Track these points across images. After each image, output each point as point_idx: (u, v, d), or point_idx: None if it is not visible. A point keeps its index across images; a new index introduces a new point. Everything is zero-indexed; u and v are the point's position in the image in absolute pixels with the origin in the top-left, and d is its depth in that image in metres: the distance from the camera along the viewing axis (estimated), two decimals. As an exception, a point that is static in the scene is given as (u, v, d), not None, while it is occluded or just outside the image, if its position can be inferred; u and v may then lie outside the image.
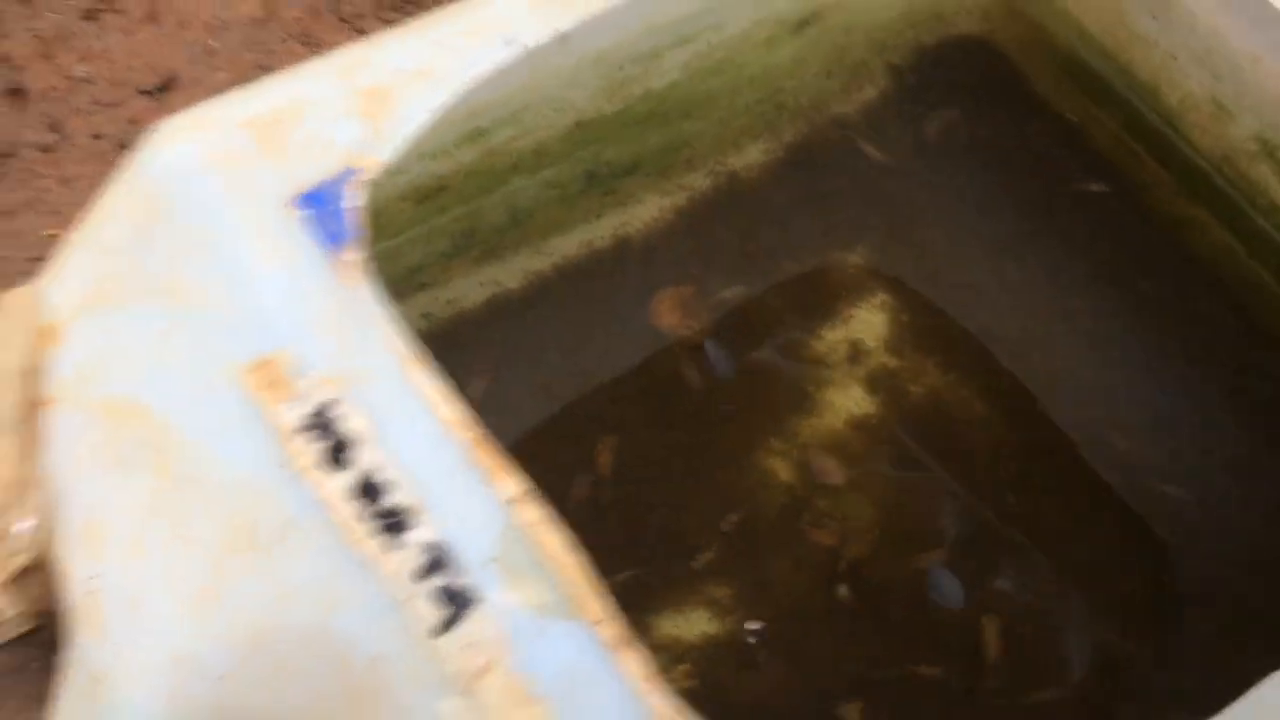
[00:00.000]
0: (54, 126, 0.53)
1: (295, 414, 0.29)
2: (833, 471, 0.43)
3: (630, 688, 0.27)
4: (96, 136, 0.53)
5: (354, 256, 0.30)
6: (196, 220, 0.31)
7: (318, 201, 0.31)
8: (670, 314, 0.46)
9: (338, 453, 0.29)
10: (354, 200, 0.31)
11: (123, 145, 0.52)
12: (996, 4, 0.47)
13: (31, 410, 0.31)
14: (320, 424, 0.29)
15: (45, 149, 0.52)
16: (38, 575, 0.33)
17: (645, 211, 0.47)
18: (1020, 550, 0.41)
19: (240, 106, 0.32)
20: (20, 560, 0.31)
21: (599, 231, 0.47)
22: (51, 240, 0.50)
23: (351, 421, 0.29)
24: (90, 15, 0.56)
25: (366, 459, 0.29)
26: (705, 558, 0.41)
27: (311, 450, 0.29)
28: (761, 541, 0.42)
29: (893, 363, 0.46)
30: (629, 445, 0.43)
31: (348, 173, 0.31)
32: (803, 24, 0.43)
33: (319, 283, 0.30)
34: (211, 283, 0.31)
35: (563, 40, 0.37)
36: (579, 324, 0.46)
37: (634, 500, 0.29)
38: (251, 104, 0.32)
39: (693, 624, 0.38)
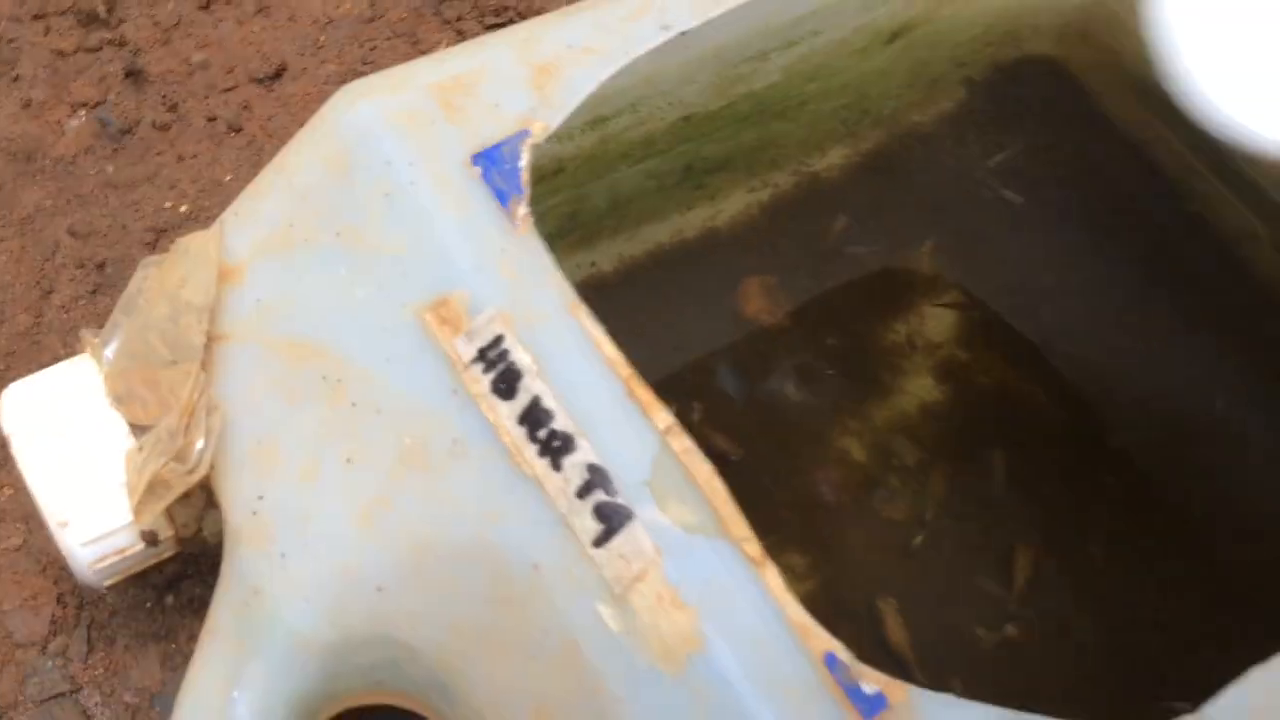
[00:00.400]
0: (171, 107, 0.56)
1: (469, 347, 0.33)
2: (906, 453, 0.47)
3: (770, 599, 0.30)
4: (211, 119, 0.56)
5: (524, 210, 0.34)
6: (380, 173, 0.34)
7: (493, 159, 0.34)
8: (755, 301, 0.50)
9: (507, 382, 0.32)
10: (525, 160, 0.34)
11: (235, 128, 0.56)
12: (1070, 28, 0.50)
13: (211, 344, 0.34)
14: (492, 357, 0.32)
15: (162, 128, 0.55)
16: (194, 498, 0.36)
17: (732, 205, 0.50)
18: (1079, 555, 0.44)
19: (424, 71, 0.36)
20: (195, 478, 0.33)
21: (690, 222, 0.50)
22: (169, 212, 0.53)
23: (520, 355, 0.32)
24: (206, 6, 0.59)
25: (534, 389, 0.32)
26: (781, 529, 0.44)
27: (483, 379, 0.32)
28: (835, 515, 0.45)
29: (961, 355, 0.49)
30: (714, 418, 0.46)
31: (522, 134, 0.34)
32: (894, 36, 0.47)
33: (494, 231, 0.33)
34: (393, 230, 0.34)
35: (686, 35, 0.40)
36: (669, 307, 0.49)
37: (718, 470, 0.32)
38: (434, 70, 0.36)
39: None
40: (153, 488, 0.34)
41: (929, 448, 0.47)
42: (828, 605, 0.42)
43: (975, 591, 0.43)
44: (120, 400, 0.35)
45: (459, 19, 0.59)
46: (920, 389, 0.48)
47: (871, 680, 0.29)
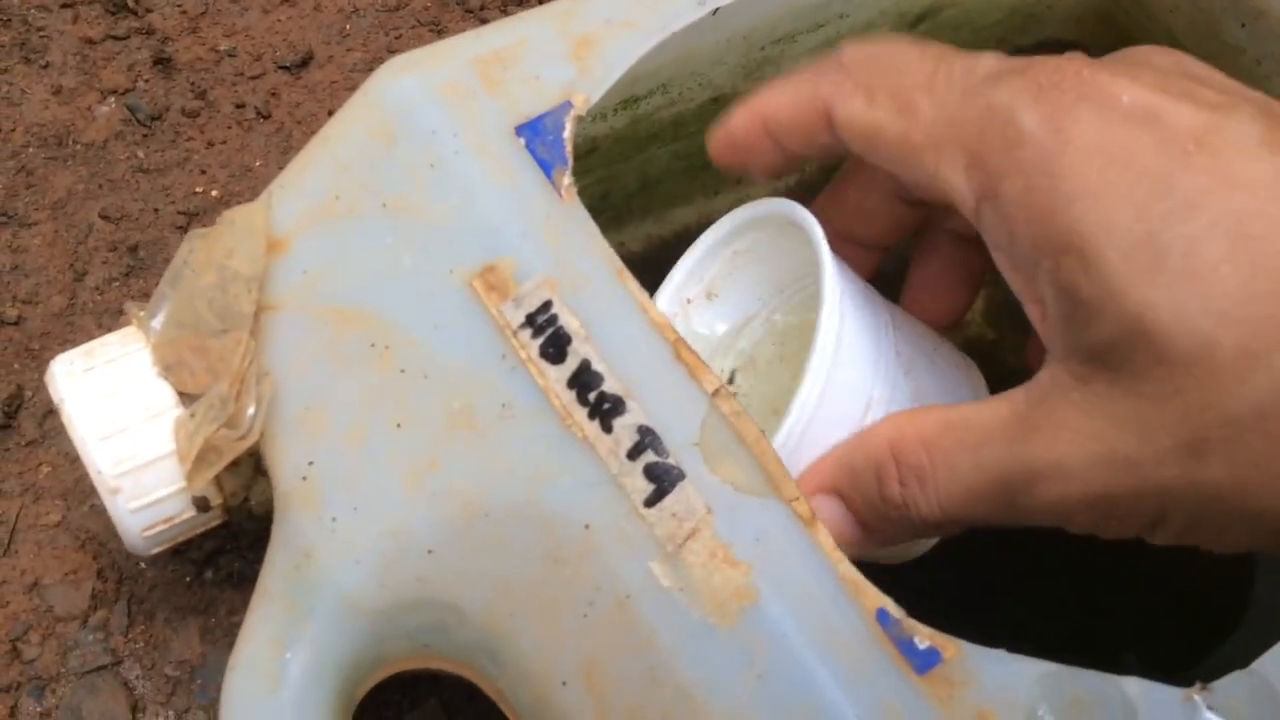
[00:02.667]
0: (199, 94, 0.56)
1: (517, 312, 0.33)
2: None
3: (821, 555, 0.31)
4: (239, 105, 0.56)
5: (568, 180, 0.34)
6: (425, 144, 0.35)
7: (536, 130, 0.35)
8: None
9: (556, 346, 0.33)
10: (569, 131, 0.35)
11: (263, 115, 0.56)
12: (1090, 11, 0.51)
13: (259, 313, 0.35)
14: (540, 321, 0.33)
15: (191, 114, 0.56)
16: (242, 466, 0.37)
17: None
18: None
19: (465, 46, 0.36)
20: (246, 444, 0.34)
21: (717, 205, 0.51)
22: (200, 197, 0.54)
23: (568, 319, 0.33)
24: (232, -5, 0.60)
25: (582, 352, 0.33)
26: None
27: (532, 344, 0.33)
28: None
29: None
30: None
31: (565, 106, 0.35)
32: (919, 19, 0.47)
33: (539, 200, 0.34)
34: (439, 200, 0.34)
35: (717, 16, 0.41)
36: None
37: None
38: (475, 44, 0.36)
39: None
40: (204, 454, 0.34)
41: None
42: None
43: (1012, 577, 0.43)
44: (169, 369, 0.35)
45: (482, 8, 0.60)
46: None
47: (924, 636, 0.30)
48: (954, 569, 0.40)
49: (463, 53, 0.36)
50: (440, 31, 0.59)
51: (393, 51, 0.59)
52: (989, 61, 0.30)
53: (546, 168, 0.34)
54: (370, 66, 0.58)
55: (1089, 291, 0.26)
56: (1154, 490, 0.26)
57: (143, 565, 0.45)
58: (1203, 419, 0.25)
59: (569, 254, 0.34)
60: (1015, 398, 0.28)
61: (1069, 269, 0.26)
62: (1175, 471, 0.26)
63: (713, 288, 0.40)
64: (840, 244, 0.36)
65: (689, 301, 0.39)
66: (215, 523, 0.38)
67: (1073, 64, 0.28)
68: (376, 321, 0.35)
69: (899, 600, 0.30)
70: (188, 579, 0.46)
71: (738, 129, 0.34)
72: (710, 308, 0.40)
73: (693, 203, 0.51)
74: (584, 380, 0.32)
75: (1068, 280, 0.26)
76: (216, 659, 0.44)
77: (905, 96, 0.30)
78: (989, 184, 0.27)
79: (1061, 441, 0.27)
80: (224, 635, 0.44)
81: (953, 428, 0.29)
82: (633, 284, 0.33)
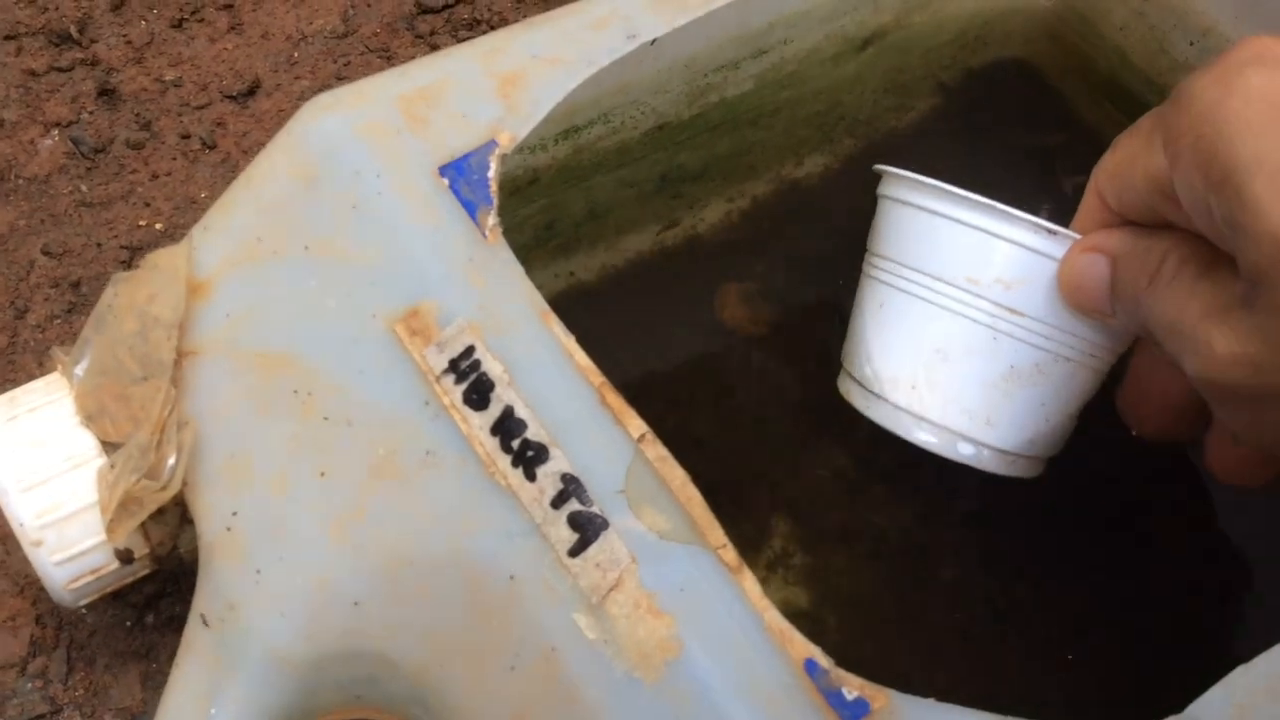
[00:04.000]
0: (144, 126, 0.56)
1: (440, 357, 0.32)
2: (888, 458, 0.46)
3: (747, 605, 0.30)
4: (185, 136, 0.56)
5: (493, 220, 0.34)
6: (348, 185, 0.34)
7: (460, 170, 0.34)
8: (734, 308, 0.50)
9: (479, 392, 0.32)
10: (493, 170, 0.34)
11: (209, 145, 0.56)
12: (1039, 31, 0.51)
13: (181, 358, 0.34)
14: (464, 367, 0.32)
15: (136, 146, 0.55)
16: (168, 515, 0.36)
17: (711, 214, 0.51)
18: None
19: (390, 84, 0.36)
20: (167, 495, 0.33)
21: (668, 231, 0.50)
22: (144, 230, 0.53)
23: (492, 365, 0.32)
24: (178, 24, 0.59)
25: (505, 398, 0.32)
26: (767, 535, 0.44)
27: (455, 390, 0.32)
28: (821, 521, 0.45)
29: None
30: (692, 424, 0.46)
31: (489, 145, 0.34)
32: (866, 43, 0.47)
33: (463, 242, 0.33)
34: (363, 241, 0.34)
35: (656, 45, 0.40)
36: (649, 315, 0.49)
37: (696, 476, 0.32)
38: (400, 82, 0.36)
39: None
40: (125, 505, 0.34)
41: (912, 452, 0.46)
42: (809, 609, 0.42)
43: (975, 593, 0.43)
44: (91, 418, 0.35)
45: (432, 33, 0.59)
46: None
47: (853, 686, 0.29)
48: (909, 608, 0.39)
49: (387, 91, 0.35)
50: (389, 58, 0.58)
51: (341, 79, 0.58)
52: None
53: (471, 208, 0.34)
54: (318, 94, 0.57)
55: (1241, 219, 0.27)
56: (1274, 396, 0.28)
57: (83, 610, 0.44)
58: None
59: (493, 297, 0.33)
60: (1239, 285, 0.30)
61: (1227, 201, 0.28)
62: None
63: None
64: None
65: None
66: (144, 573, 0.38)
67: (1248, 40, 0.29)
68: (300, 367, 0.34)
69: (827, 649, 0.30)
70: (128, 623, 0.45)
71: (1078, 263, 0.34)
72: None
73: (643, 229, 0.50)
74: (507, 427, 0.32)
75: (1227, 213, 0.28)
76: (157, 705, 0.43)
77: (1144, 135, 0.31)
78: (1174, 152, 0.29)
79: (1215, 337, 0.29)
80: (165, 680, 0.43)
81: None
82: (558, 327, 0.33)
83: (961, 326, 0.36)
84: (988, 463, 0.37)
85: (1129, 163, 0.32)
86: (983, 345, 0.35)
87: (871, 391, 0.38)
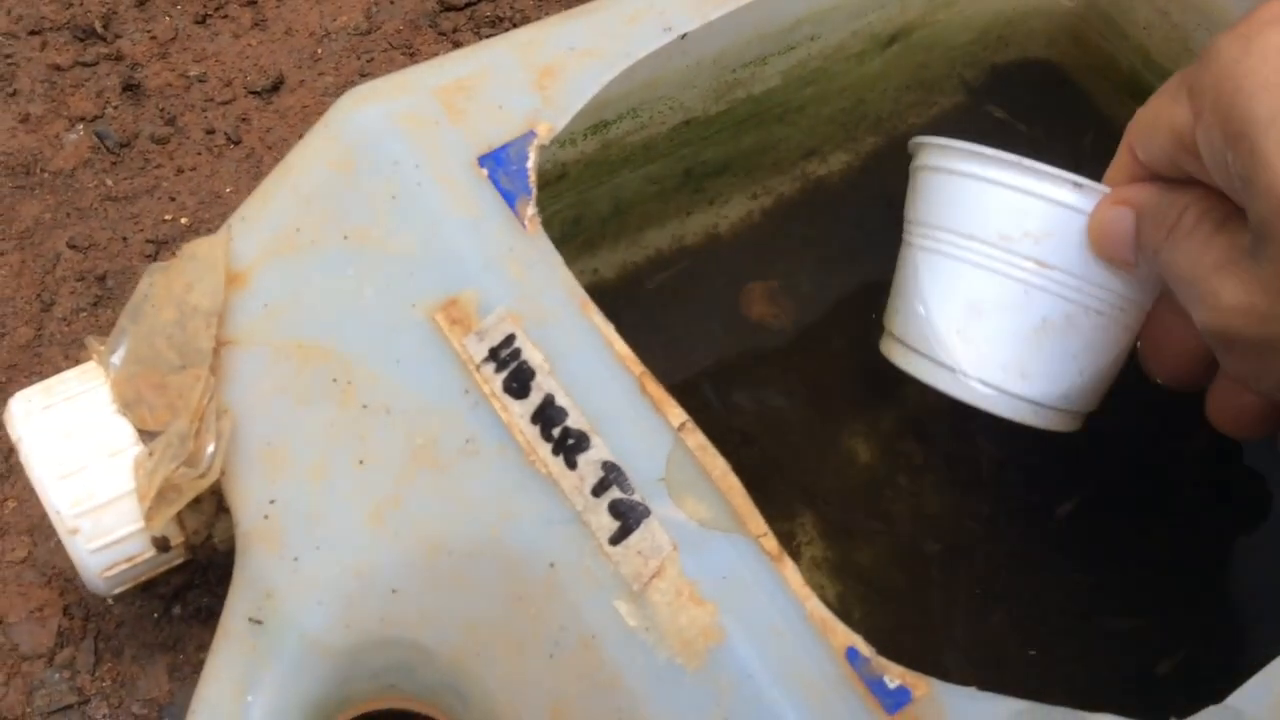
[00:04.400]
0: (169, 121, 0.56)
1: (480, 346, 0.33)
2: (913, 452, 0.47)
3: (789, 593, 0.30)
4: (209, 131, 0.56)
5: (532, 210, 0.34)
6: (387, 175, 0.34)
7: (500, 160, 0.34)
8: (759, 305, 0.50)
9: (519, 381, 0.32)
10: (532, 160, 0.34)
11: (234, 140, 0.56)
12: (1062, 31, 0.51)
13: (219, 348, 0.34)
14: (504, 356, 0.32)
15: (161, 141, 0.55)
16: (204, 504, 0.36)
17: (734, 210, 0.51)
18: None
19: (428, 75, 0.36)
20: (206, 483, 0.33)
21: (691, 227, 0.50)
22: (169, 224, 0.53)
23: (532, 354, 0.32)
24: (202, 20, 0.59)
25: (546, 387, 0.32)
26: (794, 528, 0.44)
27: (495, 379, 0.32)
28: (847, 513, 0.45)
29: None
30: (720, 420, 0.46)
31: (528, 135, 0.34)
32: (891, 40, 0.47)
33: (503, 231, 0.33)
34: (401, 231, 0.34)
35: (685, 40, 0.41)
36: (672, 312, 0.49)
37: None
38: (438, 74, 0.36)
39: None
40: (163, 493, 0.34)
41: (934, 446, 0.47)
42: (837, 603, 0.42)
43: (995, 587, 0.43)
44: (128, 406, 0.35)
45: (455, 30, 0.60)
46: (924, 389, 0.48)
47: (894, 675, 0.29)
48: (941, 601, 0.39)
49: (425, 82, 0.35)
50: (412, 55, 0.59)
51: (365, 75, 0.58)
52: None
53: (510, 198, 0.34)
54: (341, 90, 0.57)
55: (1252, 173, 0.28)
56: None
57: (110, 602, 0.45)
58: None
59: (533, 287, 0.33)
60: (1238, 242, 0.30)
61: (1241, 156, 0.28)
62: None
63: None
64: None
65: None
66: (177, 561, 0.38)
67: (1272, 1, 0.30)
68: (338, 356, 0.34)
69: (868, 638, 0.30)
70: (155, 615, 0.45)
71: (1106, 215, 0.35)
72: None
73: (665, 225, 0.50)
74: (548, 415, 0.32)
75: (1240, 168, 0.29)
76: (184, 696, 0.43)
77: (1171, 92, 0.32)
78: (1196, 107, 0.30)
79: (1223, 288, 0.30)
80: (192, 672, 0.43)
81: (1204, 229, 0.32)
82: (598, 317, 0.33)
83: (995, 282, 0.37)
84: (1024, 415, 0.38)
85: (1155, 118, 0.33)
86: (1015, 299, 0.36)
87: (911, 348, 0.39)
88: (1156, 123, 0.32)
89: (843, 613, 0.42)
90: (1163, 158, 0.33)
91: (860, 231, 0.51)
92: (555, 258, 0.33)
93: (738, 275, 0.50)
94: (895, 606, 0.43)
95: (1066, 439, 0.39)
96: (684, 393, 0.46)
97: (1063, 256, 0.36)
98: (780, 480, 0.46)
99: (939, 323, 0.38)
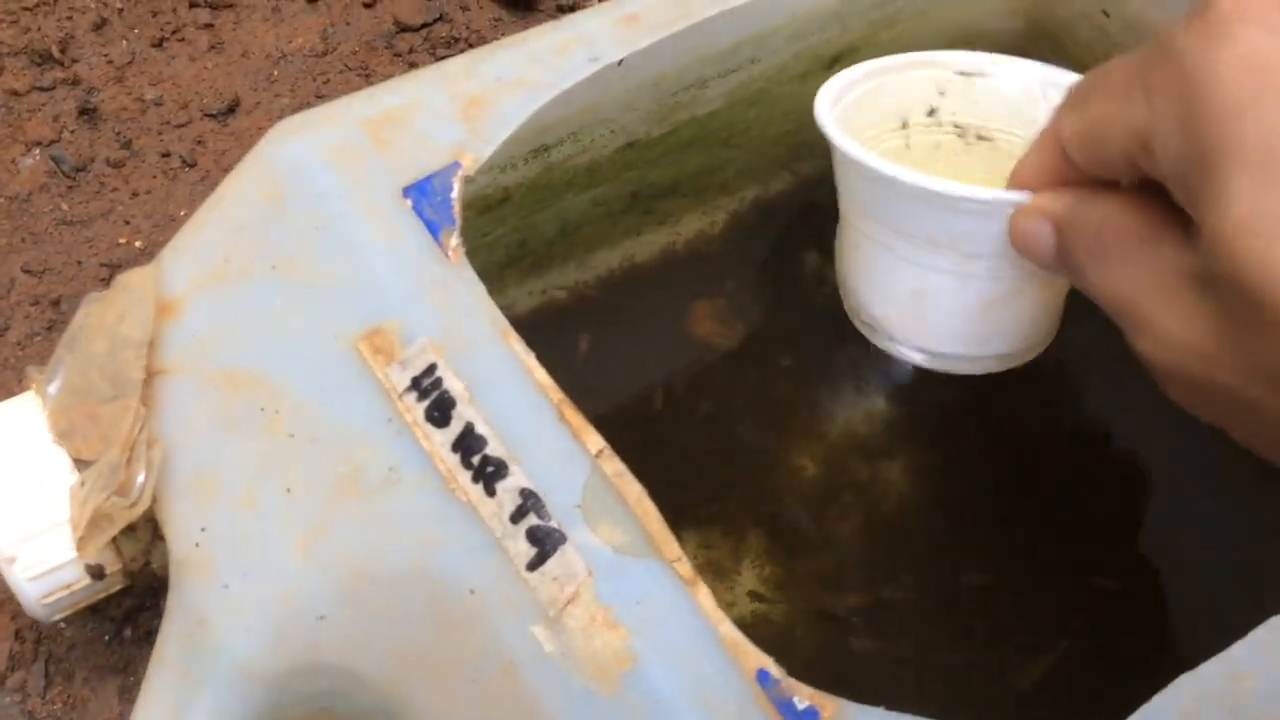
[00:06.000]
0: (125, 144, 0.56)
1: (403, 375, 0.33)
2: (859, 469, 0.47)
3: (703, 617, 0.30)
4: (165, 154, 0.56)
5: (455, 241, 0.34)
6: (314, 206, 0.35)
7: (424, 191, 0.35)
8: (705, 323, 0.50)
9: (441, 409, 0.33)
10: (456, 191, 0.35)
11: (189, 163, 0.56)
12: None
13: (151, 377, 0.35)
14: (425, 385, 0.33)
15: (116, 165, 0.56)
16: (140, 532, 0.37)
17: (682, 230, 0.51)
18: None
19: (356, 107, 0.36)
20: (137, 511, 0.34)
21: (640, 247, 0.51)
22: (124, 248, 0.54)
23: (453, 383, 0.33)
24: (159, 43, 0.60)
25: (467, 415, 0.32)
26: (741, 544, 0.45)
27: (417, 407, 0.33)
28: (793, 531, 0.46)
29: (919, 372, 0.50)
30: (665, 441, 0.47)
31: (453, 166, 0.35)
32: (834, 61, 0.48)
33: (425, 262, 0.34)
34: (327, 261, 0.34)
35: (623, 65, 0.41)
36: (621, 330, 0.49)
37: (662, 492, 0.33)
38: (366, 105, 0.36)
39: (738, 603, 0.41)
40: (95, 522, 0.34)
41: (881, 461, 0.47)
42: (779, 617, 0.43)
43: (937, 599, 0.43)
44: (63, 436, 0.35)
45: (410, 51, 0.60)
46: (873, 406, 0.49)
47: (804, 695, 0.30)
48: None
49: (353, 114, 0.36)
50: (368, 76, 0.59)
51: (321, 97, 0.59)
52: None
53: (434, 229, 0.34)
54: (297, 111, 0.58)
55: (1215, 206, 0.25)
56: (1222, 390, 0.27)
57: (61, 625, 0.45)
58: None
59: (456, 316, 0.34)
60: (1188, 261, 0.28)
61: (1206, 183, 0.26)
62: (1249, 388, 0.27)
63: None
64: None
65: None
66: (116, 589, 0.38)
67: None
68: (266, 385, 0.34)
69: (817, 655, 0.30)
70: (106, 638, 0.45)
71: (1025, 227, 0.33)
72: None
73: (615, 246, 0.51)
74: (468, 444, 0.32)
75: (1203, 195, 0.26)
76: (132, 719, 0.43)
77: (1121, 89, 0.29)
78: (1154, 109, 0.27)
79: (1161, 317, 0.28)
80: (140, 695, 0.44)
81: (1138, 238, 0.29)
82: (519, 345, 0.33)
83: (929, 275, 0.38)
84: (991, 368, 0.40)
85: (1107, 120, 0.30)
86: (953, 287, 0.37)
87: (871, 326, 0.41)
88: (1108, 125, 0.29)
89: (787, 630, 0.43)
90: (1116, 158, 0.30)
91: (808, 251, 0.52)
92: (478, 287, 0.33)
93: (685, 294, 0.51)
94: (843, 623, 0.43)
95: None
96: (628, 412, 0.47)
97: (993, 246, 0.36)
98: (728, 497, 0.46)
99: (885, 305, 0.40)
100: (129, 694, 0.45)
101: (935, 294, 0.38)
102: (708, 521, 0.44)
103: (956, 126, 0.44)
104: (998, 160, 0.44)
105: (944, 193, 0.35)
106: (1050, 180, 0.33)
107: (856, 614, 0.43)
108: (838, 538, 0.46)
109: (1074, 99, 0.32)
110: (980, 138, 0.44)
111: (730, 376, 0.49)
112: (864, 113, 0.43)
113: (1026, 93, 0.43)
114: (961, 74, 0.42)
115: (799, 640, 0.43)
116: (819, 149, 0.52)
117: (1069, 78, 0.42)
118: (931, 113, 0.44)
